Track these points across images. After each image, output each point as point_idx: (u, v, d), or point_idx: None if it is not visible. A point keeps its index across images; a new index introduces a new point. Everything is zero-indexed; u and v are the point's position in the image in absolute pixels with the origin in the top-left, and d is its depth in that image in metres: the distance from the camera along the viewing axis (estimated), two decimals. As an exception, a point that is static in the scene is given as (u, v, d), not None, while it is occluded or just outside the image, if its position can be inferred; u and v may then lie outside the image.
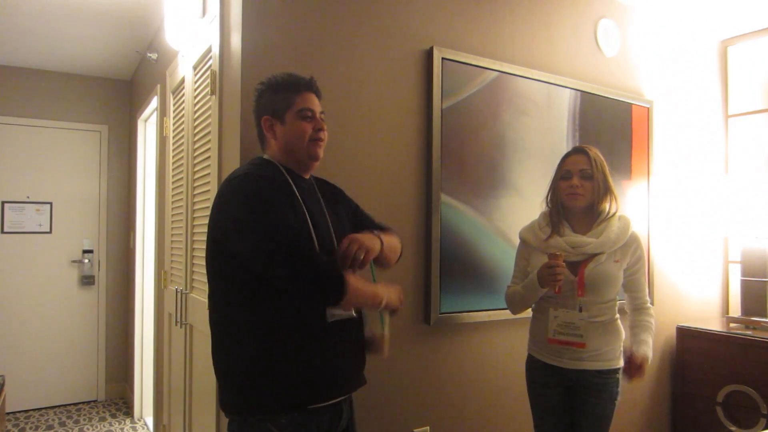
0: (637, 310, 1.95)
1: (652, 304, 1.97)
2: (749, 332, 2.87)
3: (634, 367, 1.85)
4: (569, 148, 2.05)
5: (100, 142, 4.39)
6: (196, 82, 2.35)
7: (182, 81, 2.58)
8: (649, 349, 1.88)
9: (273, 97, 1.44)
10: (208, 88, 2.14)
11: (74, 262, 4.27)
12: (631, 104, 2.91)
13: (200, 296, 2.15)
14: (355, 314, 1.43)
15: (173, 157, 2.76)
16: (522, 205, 2.46)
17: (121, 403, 4.28)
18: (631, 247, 1.89)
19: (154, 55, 3.39)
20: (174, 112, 2.80)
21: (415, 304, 2.19)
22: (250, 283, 1.32)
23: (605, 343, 1.85)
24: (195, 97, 2.36)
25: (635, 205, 2.91)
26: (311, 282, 1.26)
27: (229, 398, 1.36)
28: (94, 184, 4.36)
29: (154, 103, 3.33)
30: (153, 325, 3.33)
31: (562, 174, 1.91)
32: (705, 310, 3.33)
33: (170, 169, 2.81)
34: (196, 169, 2.33)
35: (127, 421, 3.88)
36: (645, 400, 3.01)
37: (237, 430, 1.36)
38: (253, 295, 1.33)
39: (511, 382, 2.41)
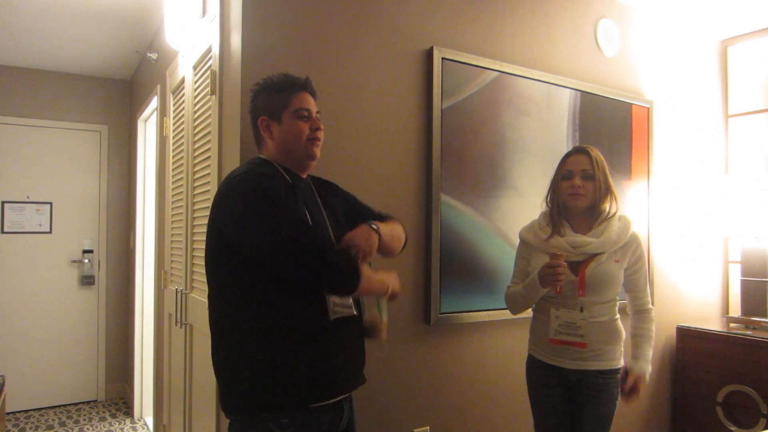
0: (639, 313, 1.94)
1: (652, 304, 1.97)
2: (749, 332, 2.87)
3: (628, 386, 1.86)
4: (569, 148, 2.05)
5: (100, 142, 4.39)
6: (196, 82, 2.35)
7: (182, 81, 2.58)
8: (649, 365, 1.88)
9: (269, 98, 1.45)
10: (208, 88, 2.14)
11: (74, 262, 4.27)
12: (631, 104, 2.91)
13: (200, 296, 2.15)
14: (355, 312, 1.43)
15: (173, 157, 2.76)
16: (522, 205, 2.46)
17: (121, 403, 4.28)
18: (631, 247, 1.89)
19: (154, 55, 3.39)
20: (174, 112, 2.80)
21: (415, 304, 2.19)
22: (252, 282, 1.33)
23: (606, 343, 1.85)
24: (195, 97, 2.36)
25: (635, 205, 2.91)
26: (327, 272, 1.27)
27: (231, 398, 1.36)
28: (94, 184, 4.36)
29: (154, 103, 3.33)
30: (153, 325, 3.33)
31: (564, 174, 1.91)
32: (705, 310, 3.33)
33: (170, 169, 2.81)
34: (196, 169, 2.33)
35: (127, 421, 3.88)
36: (645, 400, 3.01)
37: (238, 430, 1.36)
38: (253, 294, 1.33)
39: (511, 382, 2.41)
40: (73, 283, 4.27)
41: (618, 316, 1.92)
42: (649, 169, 2.99)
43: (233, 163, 1.84)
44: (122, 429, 3.73)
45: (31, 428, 3.73)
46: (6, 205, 4.06)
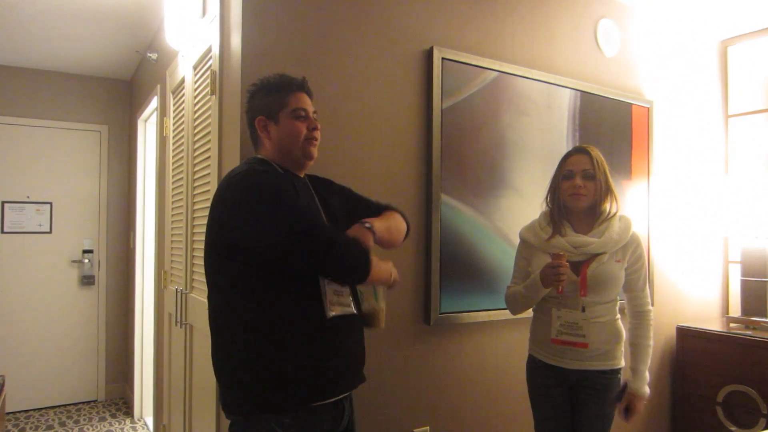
0: (637, 315, 1.92)
1: (652, 304, 1.96)
2: (749, 332, 2.87)
3: (623, 406, 1.87)
4: (569, 148, 2.04)
5: (100, 142, 4.39)
6: (196, 82, 2.35)
7: (182, 81, 2.58)
8: (646, 381, 1.87)
9: (266, 98, 1.45)
10: (208, 88, 2.14)
11: (74, 262, 4.27)
12: (631, 104, 2.91)
13: (200, 296, 2.15)
14: (354, 311, 1.43)
15: (173, 157, 2.76)
16: (522, 205, 2.46)
17: (121, 403, 4.28)
18: (631, 247, 1.88)
19: (154, 55, 3.39)
20: (174, 112, 2.80)
21: (415, 304, 2.19)
22: (251, 281, 1.33)
23: (607, 343, 1.85)
24: (195, 97, 2.36)
25: (635, 205, 2.91)
26: (341, 261, 1.28)
27: (231, 398, 1.36)
28: (94, 184, 4.36)
29: (154, 103, 3.33)
30: (153, 325, 3.33)
31: (564, 174, 1.90)
32: (705, 310, 3.33)
33: (170, 169, 2.81)
34: (196, 169, 2.33)
35: (127, 421, 3.88)
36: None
37: (239, 430, 1.36)
38: (253, 293, 1.33)
39: (511, 382, 2.41)
40: (73, 283, 4.27)
41: (618, 316, 1.92)
42: (649, 169, 2.99)
43: (233, 163, 1.84)
44: (122, 429, 3.73)
45: (31, 428, 3.73)
46: (6, 205, 4.06)
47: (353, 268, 1.31)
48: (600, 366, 1.84)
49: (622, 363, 1.89)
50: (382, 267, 1.39)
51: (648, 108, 2.99)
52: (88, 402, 4.29)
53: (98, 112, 4.38)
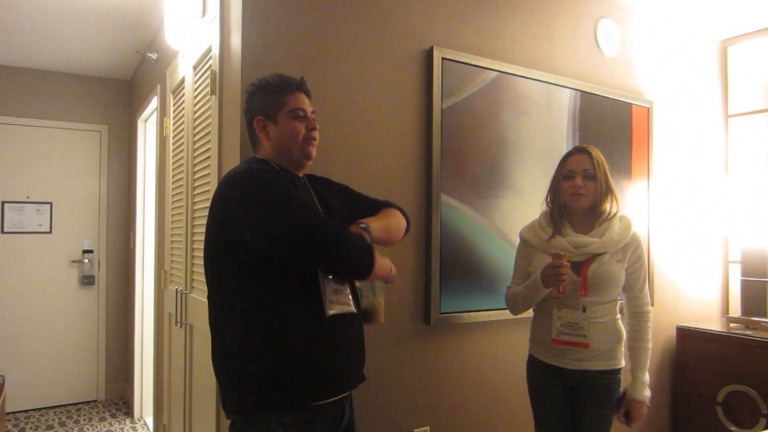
0: (635, 316, 1.91)
1: (652, 304, 1.96)
2: (749, 332, 2.87)
3: (622, 414, 1.87)
4: (569, 148, 2.04)
5: (100, 142, 4.39)
6: (196, 82, 2.35)
7: (182, 81, 2.58)
8: (646, 386, 1.87)
9: (265, 98, 1.46)
10: (208, 88, 2.14)
11: (74, 262, 4.27)
12: (631, 104, 2.91)
13: (200, 296, 2.15)
14: (354, 310, 1.43)
15: (173, 157, 2.76)
16: (522, 205, 2.46)
17: (121, 403, 4.28)
18: (631, 247, 1.88)
19: (154, 55, 3.39)
20: (174, 112, 2.80)
21: (415, 304, 2.19)
22: (251, 281, 1.33)
23: (608, 343, 1.85)
24: (195, 97, 2.36)
25: (635, 205, 2.91)
26: (347, 257, 1.29)
27: (232, 399, 1.36)
28: (94, 184, 4.36)
29: (154, 103, 3.33)
30: (153, 325, 3.33)
31: (565, 173, 1.90)
32: (705, 310, 3.33)
33: (170, 169, 2.81)
34: (196, 169, 2.33)
35: (127, 421, 3.88)
36: (645, 400, 3.01)
37: (240, 430, 1.36)
38: (253, 293, 1.33)
39: (511, 382, 2.41)
40: (73, 283, 4.27)
41: (619, 316, 1.92)
42: (649, 169, 2.99)
43: (233, 163, 1.84)
44: (122, 429, 3.73)
45: (31, 428, 3.73)
46: (6, 205, 4.06)
47: (359, 264, 1.32)
48: (600, 366, 1.84)
49: (623, 363, 1.89)
50: (383, 263, 1.40)
51: (648, 108, 2.99)
52: (88, 402, 4.29)
53: (98, 112, 4.38)
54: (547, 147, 2.56)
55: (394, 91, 2.15)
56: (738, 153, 3.41)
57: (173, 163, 2.76)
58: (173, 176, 2.74)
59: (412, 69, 2.20)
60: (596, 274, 1.82)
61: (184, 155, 2.49)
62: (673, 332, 3.14)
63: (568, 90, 2.65)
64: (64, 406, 4.19)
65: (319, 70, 1.98)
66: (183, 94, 2.58)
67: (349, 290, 1.43)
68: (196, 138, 2.34)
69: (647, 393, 1.87)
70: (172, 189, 2.74)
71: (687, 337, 3.07)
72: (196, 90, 2.35)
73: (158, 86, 3.24)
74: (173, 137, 2.78)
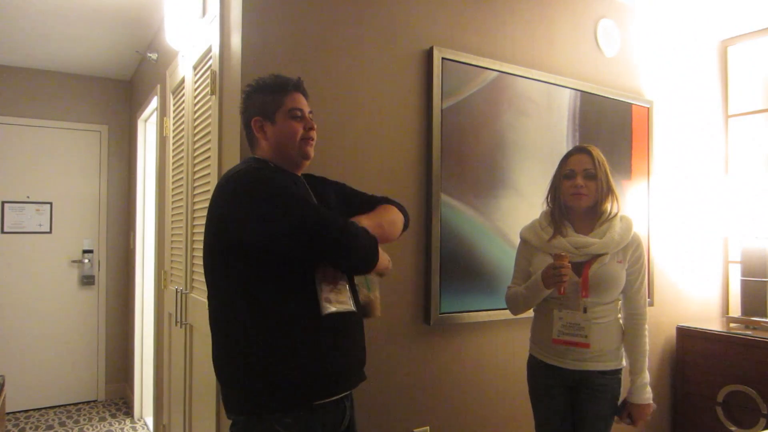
0: (632, 317, 1.90)
1: (652, 304, 1.95)
2: (749, 332, 2.87)
3: (625, 417, 1.88)
4: (569, 148, 2.03)
5: (100, 142, 4.39)
6: (196, 82, 2.35)
7: (182, 81, 2.58)
8: (647, 389, 1.87)
9: (262, 98, 1.46)
10: (208, 88, 2.14)
11: (74, 262, 4.27)
12: (631, 104, 2.91)
13: (200, 296, 2.15)
14: (354, 308, 1.43)
15: (173, 157, 2.76)
16: (522, 205, 2.46)
17: (121, 403, 4.28)
18: (632, 248, 1.88)
19: (154, 55, 3.39)
20: (174, 112, 2.80)
21: (415, 304, 2.19)
22: (250, 281, 1.33)
23: (608, 344, 1.85)
24: (195, 97, 2.36)
25: (635, 205, 2.91)
26: (354, 251, 1.30)
27: (233, 399, 1.36)
28: (94, 184, 4.36)
29: (154, 103, 3.33)
30: (153, 325, 3.33)
31: (566, 173, 1.89)
32: (705, 310, 3.33)
33: (170, 169, 2.81)
34: (196, 169, 2.33)
35: (127, 421, 3.88)
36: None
37: (241, 430, 1.36)
38: (252, 293, 1.33)
39: (511, 382, 2.41)
40: (73, 283, 4.27)
41: (619, 315, 1.91)
42: (649, 169, 2.99)
43: (233, 163, 1.84)
44: (122, 429, 3.73)
45: (31, 428, 3.73)
46: (6, 205, 4.06)
47: (365, 257, 1.33)
48: (601, 366, 1.84)
49: (623, 363, 1.89)
50: (382, 256, 1.41)
51: (648, 108, 2.99)
52: (88, 402, 4.29)
53: (98, 112, 4.38)
54: (547, 147, 2.56)
55: (394, 91, 2.15)
56: (738, 153, 3.41)
57: (173, 163, 2.76)
58: (173, 176, 2.74)
59: (412, 69, 2.20)
60: (597, 274, 1.82)
61: (184, 155, 2.49)
62: (673, 332, 3.14)
63: (568, 90, 2.65)
64: (64, 406, 4.19)
65: (319, 70, 1.98)
66: (183, 94, 2.58)
67: (348, 288, 1.43)
68: (196, 138, 2.34)
69: (648, 395, 1.87)
70: (172, 189, 2.74)
71: (687, 337, 3.07)
72: (196, 90, 2.35)
73: (158, 86, 3.24)
74: (173, 137, 2.78)
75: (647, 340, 1.90)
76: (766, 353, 2.74)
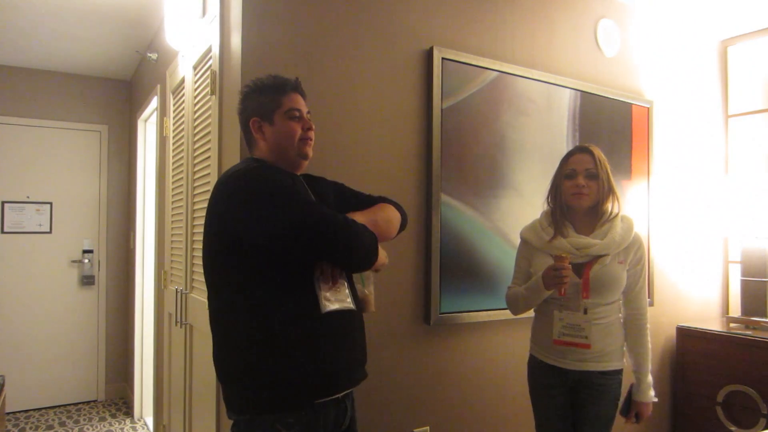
0: (632, 317, 1.90)
1: (652, 304, 1.96)
2: (749, 332, 2.87)
3: (632, 416, 1.91)
4: (569, 148, 2.03)
5: (100, 142, 4.39)
6: (196, 82, 2.35)
7: (182, 81, 2.58)
8: (651, 387, 1.89)
9: (260, 99, 1.46)
10: (208, 88, 2.14)
11: (74, 262, 4.27)
12: (631, 104, 2.91)
13: (200, 296, 2.15)
14: (353, 306, 1.43)
15: (173, 157, 2.76)
16: (522, 204, 2.46)
17: (121, 403, 4.28)
18: (633, 248, 1.87)
19: (154, 55, 3.39)
20: (174, 112, 2.80)
21: (415, 304, 2.19)
22: (250, 281, 1.33)
23: (609, 344, 1.84)
24: (195, 97, 2.36)
25: (635, 205, 2.91)
26: (357, 249, 1.30)
27: (235, 399, 1.36)
28: (94, 184, 4.36)
29: (154, 103, 3.33)
30: (153, 325, 3.33)
31: (567, 173, 1.89)
32: (705, 310, 3.33)
33: (170, 169, 2.81)
34: (196, 169, 2.33)
35: (127, 421, 3.88)
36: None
37: (243, 430, 1.36)
38: (252, 293, 1.33)
39: (511, 382, 2.41)
40: (73, 283, 4.27)
41: (620, 315, 1.91)
42: (649, 169, 2.99)
43: (233, 162, 1.84)
44: (122, 429, 3.73)
45: (31, 428, 3.73)
46: (6, 205, 4.06)
47: (365, 255, 1.34)
48: (601, 367, 1.84)
49: (624, 363, 1.89)
50: (380, 252, 1.42)
51: (648, 108, 2.99)
52: (88, 402, 4.29)
53: (98, 112, 4.38)
54: (547, 147, 2.56)
55: (394, 91, 2.15)
56: (738, 153, 3.41)
57: (173, 163, 2.76)
58: (173, 176, 2.74)
59: (412, 69, 2.20)
60: (598, 276, 1.81)
61: (184, 155, 2.49)
62: (673, 332, 3.14)
63: (568, 90, 2.64)
64: (64, 406, 4.19)
65: (319, 70, 1.98)
66: (183, 94, 2.58)
67: (347, 286, 1.43)
68: (196, 138, 2.34)
69: (652, 393, 1.89)
70: (172, 189, 2.74)
71: (687, 337, 3.07)
72: (196, 90, 2.35)
73: (158, 86, 3.24)
74: (173, 137, 2.78)
75: (649, 338, 1.90)
76: (766, 353, 2.74)
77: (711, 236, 3.36)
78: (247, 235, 1.31)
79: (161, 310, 3.03)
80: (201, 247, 2.12)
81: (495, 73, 2.39)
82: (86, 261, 4.29)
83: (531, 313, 2.02)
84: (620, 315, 1.91)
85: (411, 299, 2.18)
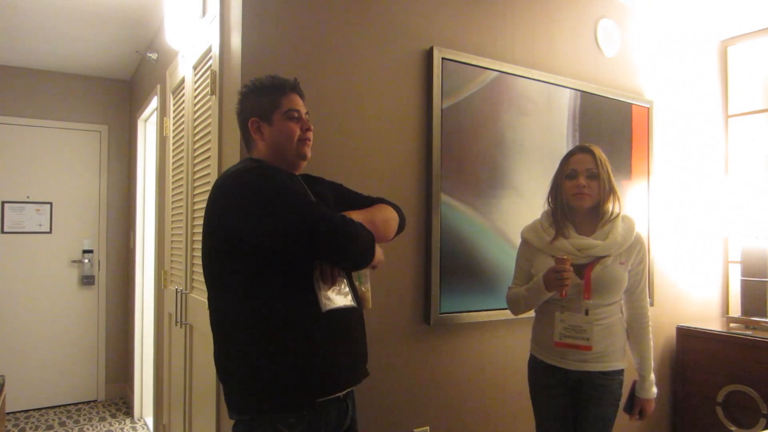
0: (635, 317, 1.90)
1: (652, 304, 1.96)
2: (749, 332, 2.87)
3: (636, 413, 1.93)
4: (569, 148, 2.02)
5: (100, 142, 4.39)
6: (196, 82, 2.35)
7: (182, 81, 2.58)
8: (653, 384, 1.91)
9: (259, 99, 1.46)
10: (208, 88, 2.14)
11: (74, 262, 4.27)
12: (631, 104, 2.91)
13: (200, 296, 2.14)
14: (354, 305, 1.43)
15: (173, 157, 2.76)
16: (522, 205, 2.45)
17: (121, 403, 4.28)
18: (635, 249, 1.87)
19: (154, 55, 3.39)
20: (174, 112, 2.80)
21: (415, 304, 2.19)
22: (250, 281, 1.32)
23: (610, 345, 1.84)
24: (195, 97, 2.36)
25: (635, 205, 2.91)
26: (356, 247, 1.31)
27: (236, 399, 1.36)
28: (94, 184, 4.36)
29: (154, 103, 3.33)
30: (153, 325, 3.33)
31: (568, 173, 1.88)
32: (705, 310, 3.33)
33: (170, 169, 2.81)
34: (196, 169, 2.33)
35: (127, 421, 3.88)
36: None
37: (244, 430, 1.36)
38: (252, 293, 1.33)
39: (511, 382, 2.41)
40: (73, 283, 4.27)
41: (621, 315, 1.91)
42: (649, 169, 2.99)
43: (233, 162, 1.83)
44: (122, 429, 3.73)
45: (31, 428, 3.73)
46: (6, 205, 4.06)
47: (364, 254, 1.34)
48: (602, 367, 1.84)
49: (625, 364, 1.89)
50: (377, 250, 1.42)
51: (648, 108, 2.99)
52: (88, 402, 4.29)
53: (98, 112, 4.38)
54: (547, 147, 2.56)
55: (394, 91, 2.15)
56: (738, 153, 3.41)
57: (173, 163, 2.76)
58: (173, 176, 2.74)
59: (412, 69, 2.20)
60: (599, 277, 1.81)
61: (184, 155, 2.49)
62: (673, 332, 3.14)
63: (568, 90, 2.64)
64: (64, 406, 4.19)
65: (319, 70, 1.98)
66: (183, 94, 2.58)
67: (347, 285, 1.43)
68: (196, 138, 2.34)
69: (655, 390, 1.91)
70: (172, 189, 2.74)
71: (687, 337, 3.07)
72: (196, 90, 2.35)
73: (158, 86, 3.24)
74: (173, 137, 2.78)
75: (651, 336, 1.91)
76: (766, 353, 2.74)
77: (711, 236, 3.36)
78: (247, 235, 1.31)
79: (161, 310, 3.03)
80: (200, 247, 2.12)
81: (495, 73, 2.39)
82: (86, 261, 4.29)
83: (531, 313, 2.02)
84: (621, 315, 1.91)
85: (411, 299, 2.18)
